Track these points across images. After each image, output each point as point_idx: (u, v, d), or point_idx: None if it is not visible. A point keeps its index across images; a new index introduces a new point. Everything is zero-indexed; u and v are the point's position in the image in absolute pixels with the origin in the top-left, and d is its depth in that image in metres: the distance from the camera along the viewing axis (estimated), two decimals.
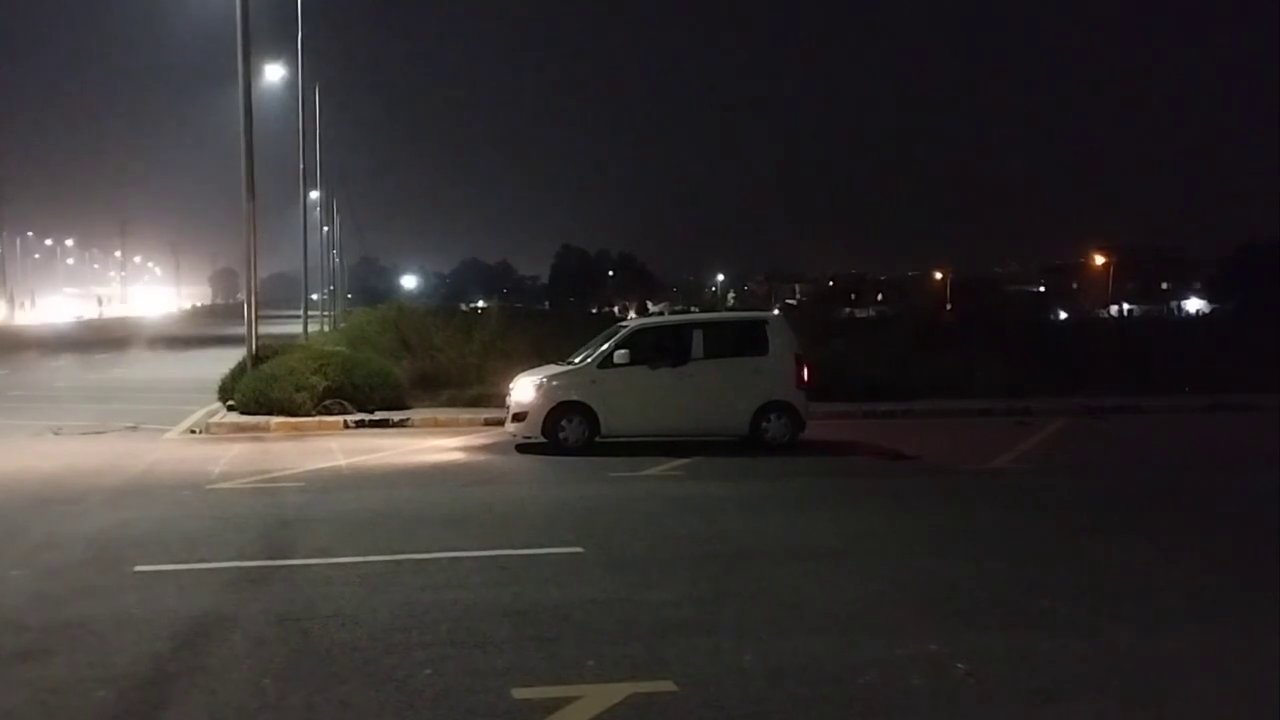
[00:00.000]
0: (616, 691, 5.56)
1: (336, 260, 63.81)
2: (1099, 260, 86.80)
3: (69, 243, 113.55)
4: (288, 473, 12.89)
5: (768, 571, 8.19)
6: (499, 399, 16.00)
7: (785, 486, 12.32)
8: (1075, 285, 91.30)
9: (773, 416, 14.89)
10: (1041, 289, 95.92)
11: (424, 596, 7.39)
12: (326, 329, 27.56)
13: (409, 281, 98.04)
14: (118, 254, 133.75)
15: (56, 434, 16.73)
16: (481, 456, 14.52)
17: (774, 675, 5.86)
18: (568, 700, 5.44)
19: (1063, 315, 51.25)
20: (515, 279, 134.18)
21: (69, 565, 8.30)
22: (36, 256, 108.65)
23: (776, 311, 19.50)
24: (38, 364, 35.88)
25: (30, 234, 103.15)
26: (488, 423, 16.95)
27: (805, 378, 15.01)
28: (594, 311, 56.61)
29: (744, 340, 15.52)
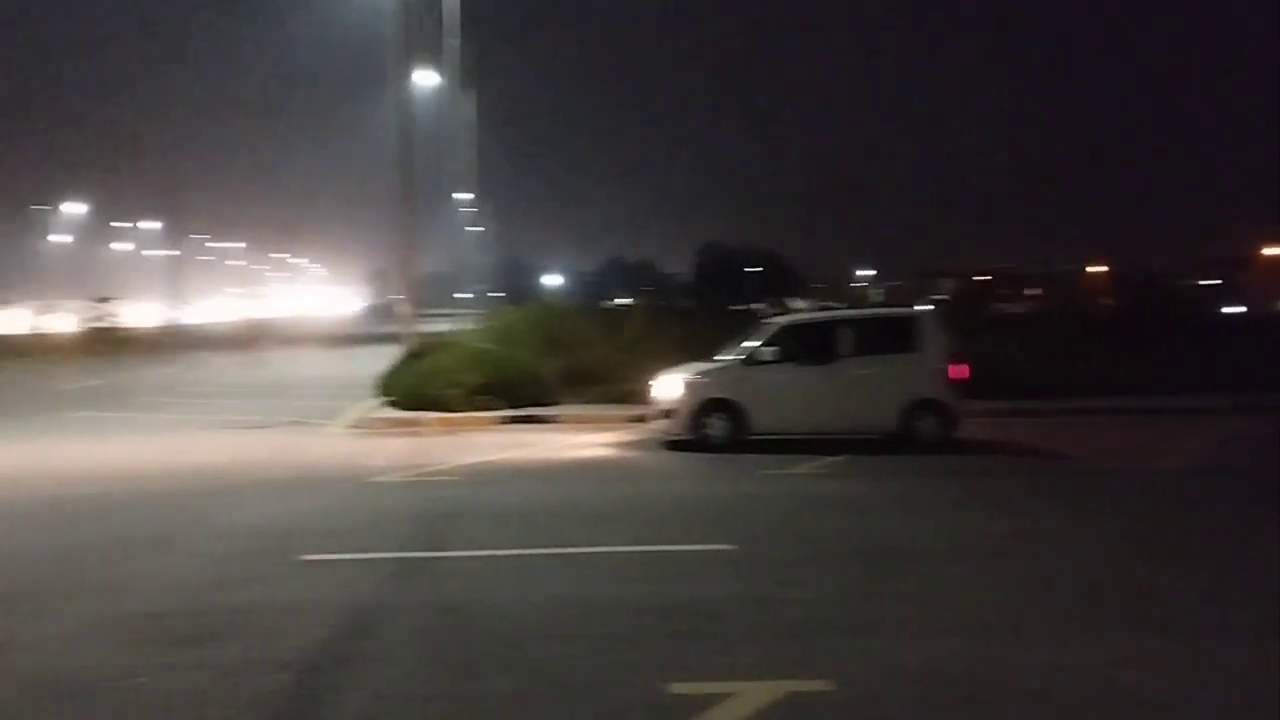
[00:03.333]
0: (772, 689, 5.53)
1: (482, 259, 65.34)
2: (1271, 252, 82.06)
3: (236, 246, 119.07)
4: (443, 467, 13.25)
5: (921, 572, 8.03)
6: (644, 396, 16.11)
7: (937, 486, 12.06)
8: (1243, 279, 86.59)
9: (923, 414, 14.59)
10: (1211, 282, 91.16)
11: (577, 590, 7.50)
12: (476, 327, 28.21)
13: (553, 280, 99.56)
14: (279, 255, 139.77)
15: (226, 429, 17.58)
16: (628, 453, 14.65)
17: (932, 677, 5.74)
18: (723, 697, 5.44)
19: (1236, 310, 48.60)
20: (657, 276, 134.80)
21: (241, 553, 8.71)
22: (212, 259, 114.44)
23: (927, 306, 19.03)
24: (205, 362, 37.84)
25: (205, 237, 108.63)
26: (633, 419, 17.09)
27: (957, 375, 14.66)
28: (737, 309, 56.35)
29: (893, 336, 15.25)
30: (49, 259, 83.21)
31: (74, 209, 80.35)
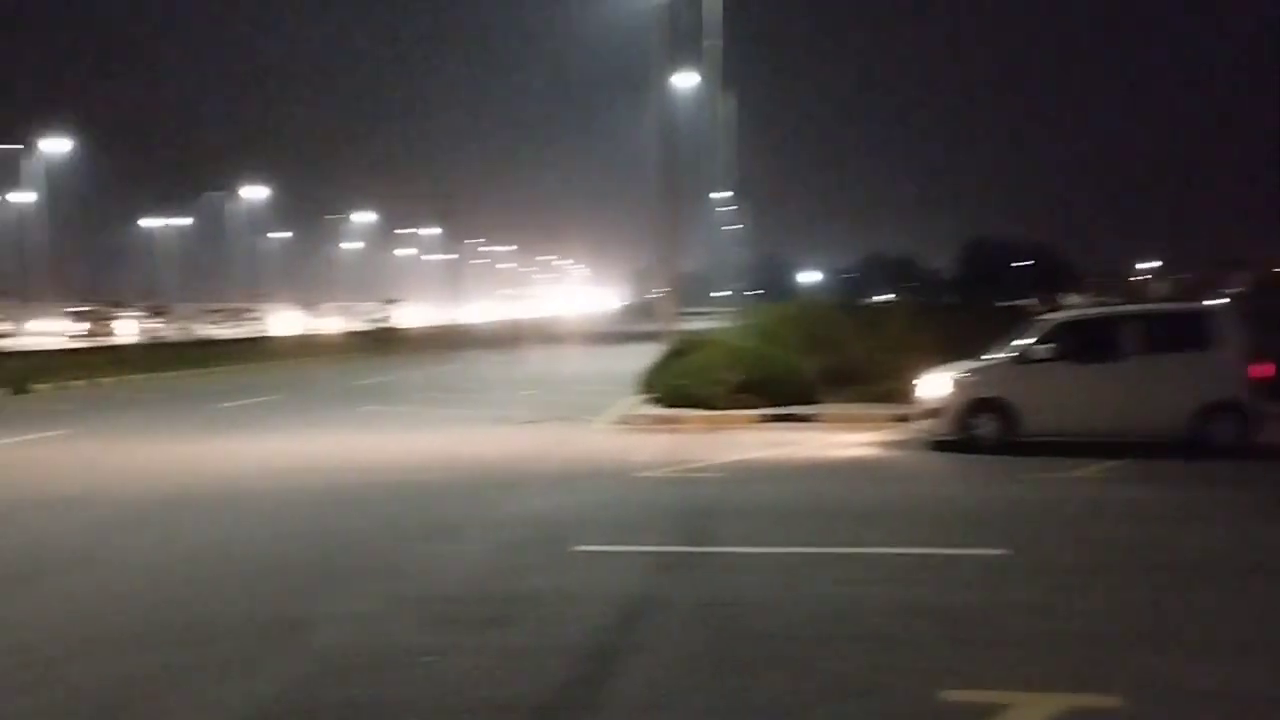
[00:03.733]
0: (1052, 702, 5.28)
1: (740, 257, 65.64)
2: None
3: (507, 249, 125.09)
4: (705, 464, 13.41)
5: (1217, 586, 7.46)
6: (907, 395, 15.72)
7: (1233, 494, 11.16)
8: None
9: (1217, 417, 13.52)
10: None
11: (844, 591, 7.41)
12: (735, 325, 28.41)
13: (811, 277, 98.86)
14: (545, 258, 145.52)
15: (499, 424, 18.48)
16: (893, 453, 14.35)
17: (1231, 700, 5.31)
18: (999, 707, 5.23)
19: None
20: (920, 272, 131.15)
21: (518, 542, 9.13)
22: (486, 262, 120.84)
23: (1223, 301, 17.62)
24: (476, 360, 39.93)
25: (479, 241, 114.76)
26: (897, 419, 16.70)
27: (1261, 374, 13.50)
28: (1004, 305, 54.09)
29: (1183, 333, 14.21)
30: (342, 265, 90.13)
31: (364, 218, 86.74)
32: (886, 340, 22.13)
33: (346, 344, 52.43)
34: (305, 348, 48.31)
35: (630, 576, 7.93)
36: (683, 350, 21.23)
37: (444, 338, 61.55)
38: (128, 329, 42.28)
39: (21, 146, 57.49)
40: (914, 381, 15.41)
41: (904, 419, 16.04)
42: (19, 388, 27.16)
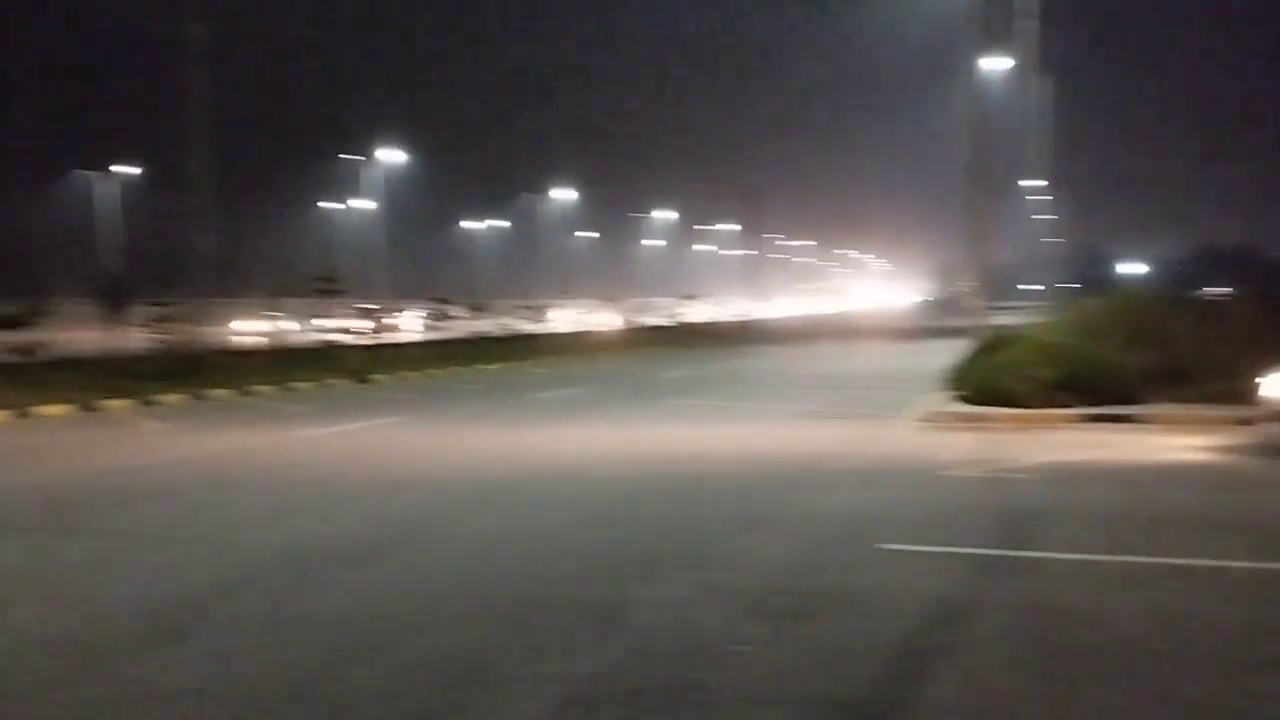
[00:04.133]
0: None
1: (1053, 248, 62.21)
2: None
3: (805, 244, 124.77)
4: (1017, 464, 12.83)
5: None
6: (1249, 396, 14.34)
7: None
8: None
9: None
10: None
11: (1178, 604, 6.89)
12: (1048, 319, 26.99)
13: (1133, 268, 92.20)
14: (843, 251, 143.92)
15: (801, 418, 18.46)
16: (1230, 458, 13.16)
17: None
18: None
19: None
20: (1262, 262, 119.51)
21: (826, 539, 9.09)
22: (784, 257, 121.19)
23: None
24: (774, 355, 40.05)
25: (777, 236, 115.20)
26: (1236, 422, 15.29)
27: None
28: None
29: None
30: (643, 262, 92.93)
31: (665, 215, 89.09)
32: (1223, 336, 20.34)
33: (646, 339, 54.06)
34: (608, 343, 50.21)
35: (941, 577, 7.71)
36: (992, 346, 20.39)
37: (740, 333, 62.23)
38: (411, 325, 45.82)
39: (363, 158, 62.95)
40: (1258, 381, 14.07)
41: (1246, 422, 14.67)
42: (360, 378, 29.85)
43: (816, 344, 47.24)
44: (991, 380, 17.96)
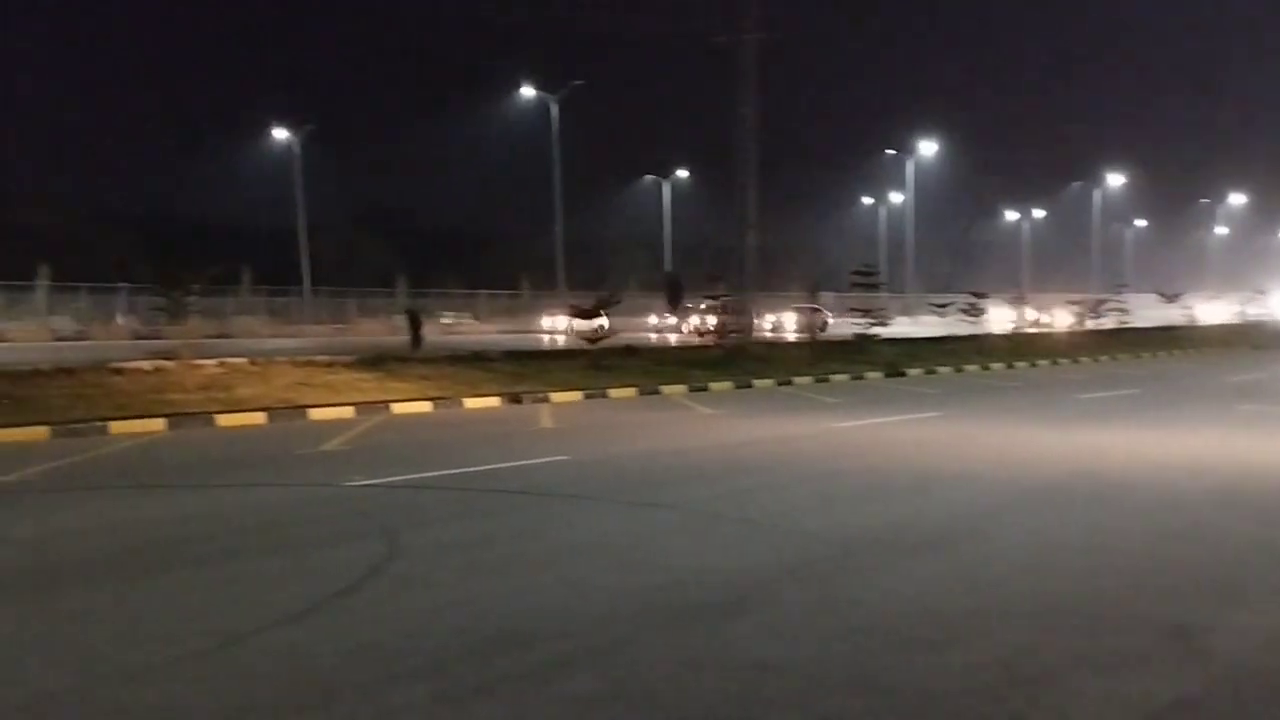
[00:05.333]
0: None
1: None
2: None
3: None
4: None
5: None
6: None
7: None
8: None
9: None
10: None
11: None
12: None
13: None
14: None
15: None
16: None
17: None
18: None
19: None
20: None
21: None
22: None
23: None
24: None
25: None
26: None
27: None
28: None
29: None
30: (1210, 252, 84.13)
31: (1235, 200, 79.98)
32: None
33: (1220, 336, 48.98)
34: (1172, 340, 46.02)
35: None
36: None
37: None
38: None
39: (896, 152, 63.28)
40: None
41: None
42: (890, 371, 29.99)
43: None
44: None
